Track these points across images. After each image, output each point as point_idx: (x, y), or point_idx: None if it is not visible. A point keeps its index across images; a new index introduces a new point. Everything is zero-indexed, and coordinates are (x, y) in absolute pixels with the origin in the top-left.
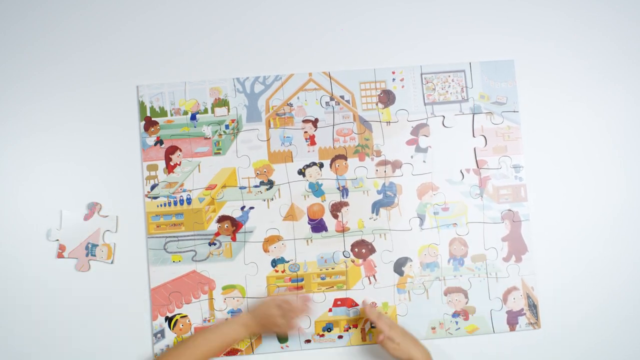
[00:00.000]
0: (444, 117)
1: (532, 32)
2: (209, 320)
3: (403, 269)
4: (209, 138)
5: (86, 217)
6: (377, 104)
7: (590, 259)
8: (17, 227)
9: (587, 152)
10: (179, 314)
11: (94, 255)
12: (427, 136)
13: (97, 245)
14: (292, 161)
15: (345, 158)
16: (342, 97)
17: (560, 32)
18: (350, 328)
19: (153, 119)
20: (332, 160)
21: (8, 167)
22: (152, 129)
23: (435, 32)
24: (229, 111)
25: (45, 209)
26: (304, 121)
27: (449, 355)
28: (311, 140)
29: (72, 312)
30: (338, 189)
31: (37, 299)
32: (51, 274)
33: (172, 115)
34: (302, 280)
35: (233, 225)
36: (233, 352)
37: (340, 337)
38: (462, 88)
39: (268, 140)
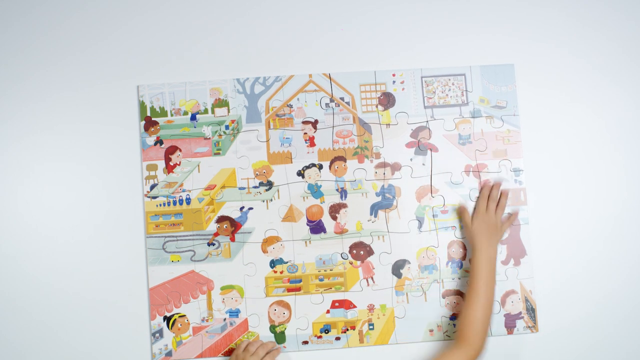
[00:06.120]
0: (444, 120)
1: (532, 36)
2: (207, 320)
3: (401, 271)
4: (209, 138)
5: None
6: (377, 106)
7: (589, 264)
8: (17, 227)
9: (588, 157)
10: (177, 314)
11: None
12: (426, 139)
13: None
14: (292, 162)
15: (345, 160)
16: (342, 98)
17: (561, 37)
18: (348, 330)
19: (153, 119)
20: (332, 162)
21: (8, 167)
22: (152, 128)
23: (436, 35)
24: (229, 112)
25: (45, 209)
26: (304, 122)
27: None
28: (310, 142)
29: (70, 312)
30: (337, 190)
31: (36, 299)
32: (50, 274)
33: (172, 115)
34: (300, 281)
35: (232, 225)
36: (231, 352)
37: (337, 338)
38: (462, 92)
39: (267, 141)
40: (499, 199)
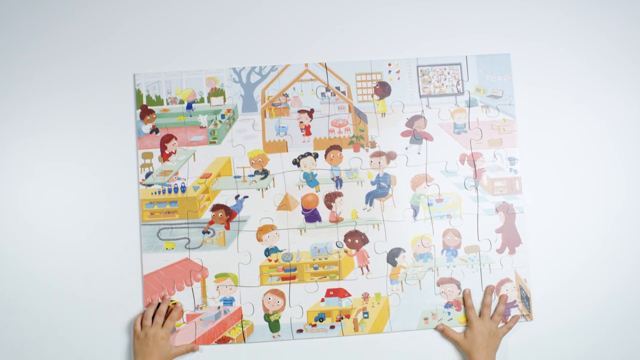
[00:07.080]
0: (439, 109)
1: (528, 26)
2: (201, 308)
3: (396, 259)
4: (205, 127)
5: None
6: (372, 96)
7: (584, 252)
8: (17, 227)
9: (582, 146)
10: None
11: None
12: (422, 128)
13: None
14: (287, 151)
15: (340, 149)
16: (337, 88)
17: (556, 26)
18: (342, 318)
19: (149, 107)
20: (327, 151)
21: (8, 166)
22: (148, 117)
23: (432, 25)
24: (225, 101)
25: (44, 205)
26: (300, 111)
27: (441, 346)
28: (306, 131)
29: (69, 311)
30: (332, 179)
31: (36, 299)
32: (50, 273)
33: (168, 104)
34: (294, 270)
35: (227, 214)
36: (224, 340)
37: (332, 327)
38: (457, 81)
39: (263, 130)
40: (497, 305)
